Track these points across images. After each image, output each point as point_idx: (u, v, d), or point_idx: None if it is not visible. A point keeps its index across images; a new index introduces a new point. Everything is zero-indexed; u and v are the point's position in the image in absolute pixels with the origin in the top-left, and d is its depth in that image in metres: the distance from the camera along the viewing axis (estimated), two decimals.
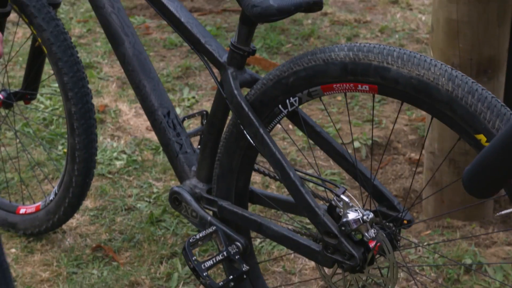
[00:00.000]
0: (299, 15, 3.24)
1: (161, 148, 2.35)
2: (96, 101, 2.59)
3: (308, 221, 1.83)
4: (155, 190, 2.16)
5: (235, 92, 1.33)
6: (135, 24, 3.31)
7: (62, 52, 1.62)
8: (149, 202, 2.11)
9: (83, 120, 1.66)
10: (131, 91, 2.72)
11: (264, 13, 1.22)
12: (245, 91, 1.38)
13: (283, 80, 1.26)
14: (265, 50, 3.02)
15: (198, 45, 1.41)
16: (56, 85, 2.75)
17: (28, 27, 1.65)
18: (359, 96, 2.62)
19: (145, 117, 2.58)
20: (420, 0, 3.45)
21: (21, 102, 1.90)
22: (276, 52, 3.01)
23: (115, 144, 2.38)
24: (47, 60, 1.83)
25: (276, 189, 2.16)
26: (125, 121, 2.54)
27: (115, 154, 2.31)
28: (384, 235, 1.22)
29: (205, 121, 1.59)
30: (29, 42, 1.84)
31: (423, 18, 3.25)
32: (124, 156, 2.32)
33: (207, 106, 2.64)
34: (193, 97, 2.70)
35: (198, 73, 2.88)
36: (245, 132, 1.32)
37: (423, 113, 2.49)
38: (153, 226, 1.99)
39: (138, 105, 2.65)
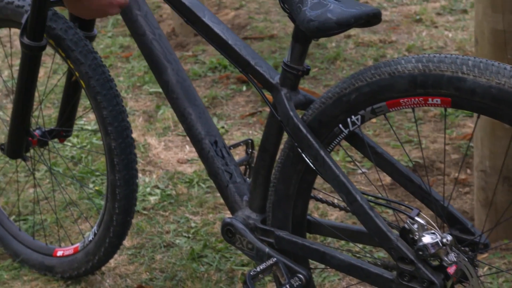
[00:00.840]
0: (321, 39, 3.18)
1: (195, 181, 2.28)
2: None
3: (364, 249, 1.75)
4: (193, 224, 2.08)
5: (291, 113, 1.25)
6: None
7: (101, 85, 1.55)
8: (188, 237, 2.02)
9: (123, 156, 1.58)
10: (158, 124, 2.65)
11: (322, 27, 1.15)
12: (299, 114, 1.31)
13: (344, 97, 1.19)
14: None
15: (247, 68, 1.34)
16: (82, 122, 2.70)
17: (64, 62, 1.58)
18: (395, 117, 2.55)
19: (175, 149, 2.52)
20: (444, 17, 3.39)
21: (56, 140, 1.83)
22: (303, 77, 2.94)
23: (147, 179, 2.30)
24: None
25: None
26: (155, 155, 2.47)
27: (148, 190, 2.24)
28: (466, 259, 1.13)
29: (250, 150, 1.52)
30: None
31: (450, 35, 3.19)
32: (158, 191, 2.24)
33: (237, 135, 2.57)
34: (222, 127, 2.62)
35: (225, 102, 2.81)
36: (304, 155, 1.24)
37: (465, 130, 2.41)
38: (195, 263, 1.90)
39: (167, 138, 2.59)
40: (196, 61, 3.21)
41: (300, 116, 1.27)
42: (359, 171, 2.25)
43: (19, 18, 1.60)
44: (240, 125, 2.64)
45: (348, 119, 1.21)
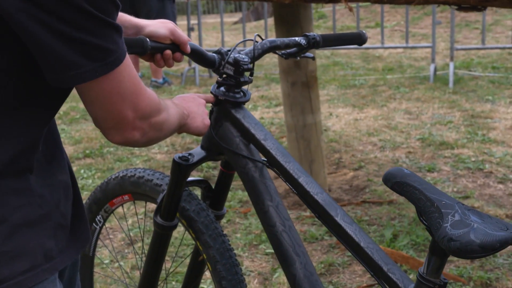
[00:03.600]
0: None
1: None
2: None
3: None
4: None
5: None
6: None
7: (227, 270, 1.55)
8: None
9: None
10: None
11: (463, 249, 1.11)
12: None
13: None
14: (411, 247, 2.86)
15: (379, 273, 1.30)
16: None
17: (194, 241, 1.62)
18: None
19: None
20: None
21: None
22: (423, 249, 2.85)
23: None
24: None
25: None
26: None
27: None
28: None
29: None
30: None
31: None
32: None
33: None
34: None
35: (342, 270, 2.75)
36: None
37: None
38: None
39: None
40: (314, 222, 3.20)
41: None
42: None
43: (156, 195, 1.68)
44: None
45: None
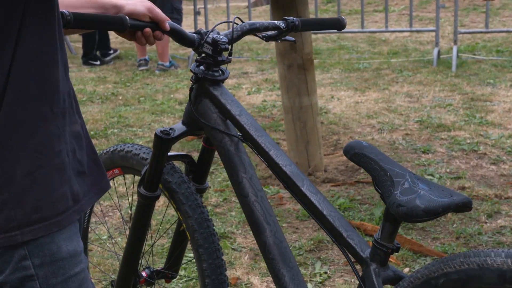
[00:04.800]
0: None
1: None
2: (228, 273, 2.61)
3: None
4: None
5: None
6: (269, 194, 3.39)
7: (204, 239, 1.65)
8: None
9: None
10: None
11: (409, 213, 1.20)
12: None
13: (433, 280, 1.20)
14: None
15: (339, 238, 1.39)
16: (191, 254, 2.83)
17: (175, 212, 1.72)
18: None
19: None
20: None
21: (162, 280, 1.94)
22: (410, 227, 2.93)
23: None
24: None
25: None
26: None
27: None
28: None
29: None
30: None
31: None
32: None
33: (339, 283, 2.57)
34: (325, 272, 2.64)
35: (331, 246, 2.84)
36: None
37: None
38: None
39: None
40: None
41: None
42: None
43: (142, 168, 1.78)
44: (343, 272, 2.65)
45: None
